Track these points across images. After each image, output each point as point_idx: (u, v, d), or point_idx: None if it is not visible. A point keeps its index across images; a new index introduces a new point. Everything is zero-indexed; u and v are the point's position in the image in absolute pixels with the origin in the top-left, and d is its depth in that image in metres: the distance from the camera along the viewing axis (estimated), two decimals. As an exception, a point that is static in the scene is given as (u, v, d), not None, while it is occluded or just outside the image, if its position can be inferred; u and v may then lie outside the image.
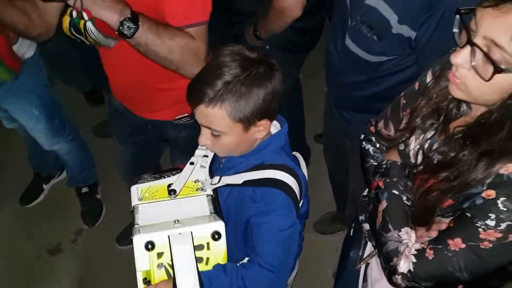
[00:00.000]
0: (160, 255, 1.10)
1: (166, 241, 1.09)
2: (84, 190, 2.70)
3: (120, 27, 1.28)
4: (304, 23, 1.98)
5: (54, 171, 2.84)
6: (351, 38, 1.56)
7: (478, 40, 0.86)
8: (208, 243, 1.13)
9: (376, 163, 1.26)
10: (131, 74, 1.63)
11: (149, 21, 1.34)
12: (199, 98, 1.14)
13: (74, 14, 1.29)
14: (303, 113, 2.69)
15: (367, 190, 1.34)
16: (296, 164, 1.33)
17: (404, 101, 1.23)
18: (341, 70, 1.67)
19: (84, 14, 1.28)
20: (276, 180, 1.23)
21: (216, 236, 1.13)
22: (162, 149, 2.23)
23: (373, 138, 1.32)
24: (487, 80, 0.86)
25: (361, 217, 1.37)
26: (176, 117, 1.75)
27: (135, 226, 1.15)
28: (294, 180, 1.25)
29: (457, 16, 0.94)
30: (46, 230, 2.65)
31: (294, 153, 1.39)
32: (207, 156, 1.35)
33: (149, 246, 1.09)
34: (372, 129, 1.32)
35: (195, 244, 1.11)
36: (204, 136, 1.22)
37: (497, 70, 0.84)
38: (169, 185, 1.26)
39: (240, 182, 1.25)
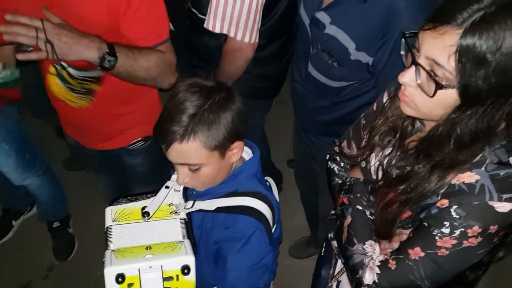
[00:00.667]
0: (130, 285, 1.11)
1: (137, 273, 1.10)
2: (56, 224, 2.66)
3: (101, 62, 1.35)
4: (267, 69, 1.99)
5: (24, 207, 2.79)
6: (313, 65, 1.64)
7: (421, 60, 0.94)
8: (177, 275, 1.14)
9: (341, 181, 1.32)
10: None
11: (124, 48, 1.40)
12: (170, 138, 1.14)
13: (58, 67, 1.35)
14: (267, 139, 2.73)
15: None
16: (268, 190, 1.36)
17: (364, 121, 1.30)
18: (306, 96, 1.75)
19: (63, 63, 1.35)
20: (248, 207, 1.25)
21: (185, 270, 1.14)
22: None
23: (338, 158, 1.38)
24: (431, 96, 0.93)
25: (330, 235, 1.42)
26: (131, 142, 1.78)
27: (108, 249, 1.16)
28: (267, 207, 1.28)
29: (403, 39, 1.02)
30: (16, 267, 2.59)
31: (266, 178, 1.43)
32: None
33: (119, 279, 1.10)
34: (336, 149, 1.38)
35: (164, 276, 1.12)
36: (182, 175, 1.22)
37: (439, 86, 0.91)
38: (143, 208, 1.28)
39: (212, 208, 1.27)
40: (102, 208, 1.32)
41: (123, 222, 1.24)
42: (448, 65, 0.89)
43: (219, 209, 1.26)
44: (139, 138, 1.78)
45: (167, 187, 1.33)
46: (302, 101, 1.81)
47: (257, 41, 1.80)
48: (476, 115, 0.93)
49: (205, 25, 1.76)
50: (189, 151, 1.15)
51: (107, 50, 1.35)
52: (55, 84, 1.42)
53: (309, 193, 2.23)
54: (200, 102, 1.15)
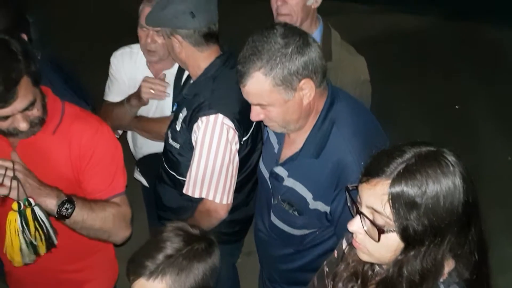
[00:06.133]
0: None
1: None
2: None
3: (59, 210, 1.41)
4: (236, 215, 2.01)
5: None
6: (275, 215, 1.72)
7: (363, 209, 1.05)
8: None
9: None
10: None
11: (82, 199, 1.48)
12: (140, 271, 1.17)
13: (22, 205, 1.38)
14: None
15: None
16: None
17: (327, 269, 1.35)
18: (270, 245, 1.80)
19: (31, 200, 1.39)
20: None
21: None
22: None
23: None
24: (377, 241, 1.02)
25: None
26: None
27: None
28: None
29: (346, 192, 1.13)
30: None
31: None
32: None
33: None
34: (303, 300, 1.39)
35: None
36: None
37: (381, 231, 1.01)
38: None
39: None
40: None
41: None
42: (385, 211, 1.01)
43: None
44: None
45: None
46: (266, 250, 1.85)
47: (231, 201, 1.87)
48: (419, 255, 1.01)
49: (184, 191, 1.84)
50: None
51: (65, 198, 1.42)
52: (12, 223, 1.41)
53: None
54: (179, 246, 1.18)
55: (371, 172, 1.03)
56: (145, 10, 2.00)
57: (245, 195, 2.05)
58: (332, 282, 1.27)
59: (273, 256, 1.80)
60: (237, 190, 1.94)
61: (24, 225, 1.40)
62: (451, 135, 3.98)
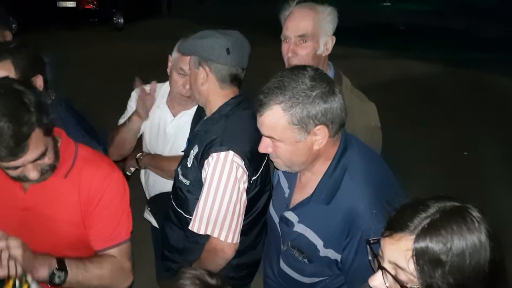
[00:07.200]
0: None
1: None
2: None
3: (51, 279, 1.39)
4: (244, 259, 1.99)
5: None
6: (284, 261, 1.69)
7: (386, 264, 1.02)
8: None
9: None
10: None
11: (74, 260, 1.46)
12: None
13: (17, 283, 1.34)
14: None
15: None
16: None
17: None
18: (279, 292, 1.76)
19: (28, 277, 1.35)
20: None
21: None
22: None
23: None
24: None
25: None
26: None
27: None
28: None
29: (368, 245, 1.11)
30: None
31: None
32: None
33: None
34: None
35: None
36: None
37: None
38: None
39: None
40: None
41: None
42: (408, 268, 0.97)
43: None
44: None
45: None
46: (276, 297, 1.80)
47: (238, 241, 1.84)
48: None
49: (190, 227, 1.82)
50: None
51: (56, 266, 1.40)
52: None
53: None
54: None
55: (395, 226, 1.01)
56: (177, 55, 2.13)
57: (253, 238, 2.02)
58: None
59: (282, 304, 1.75)
60: (245, 233, 1.91)
61: None
62: (458, 182, 3.95)
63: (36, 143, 1.37)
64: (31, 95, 1.37)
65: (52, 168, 1.49)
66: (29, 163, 1.39)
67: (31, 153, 1.37)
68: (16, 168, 1.39)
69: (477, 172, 4.24)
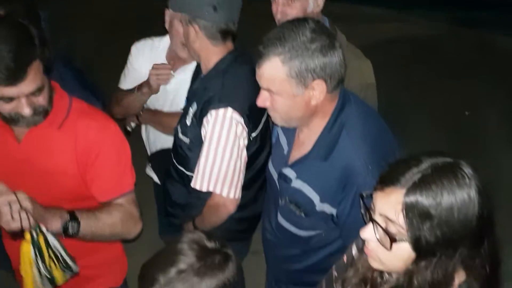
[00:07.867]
0: None
1: None
2: None
3: (65, 230, 1.41)
4: (245, 212, 2.02)
5: None
6: (282, 215, 1.73)
7: (377, 217, 1.05)
8: None
9: None
10: None
11: (86, 211, 1.48)
12: (150, 284, 1.15)
13: (34, 234, 1.37)
14: None
15: None
16: None
17: (336, 274, 1.35)
18: (277, 245, 1.81)
19: (42, 227, 1.38)
20: None
21: None
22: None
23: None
24: (389, 250, 1.02)
25: None
26: None
27: None
28: None
29: (361, 199, 1.14)
30: None
31: None
32: None
33: None
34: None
35: None
36: None
37: (393, 240, 1.01)
38: None
39: None
40: None
41: None
42: (398, 220, 1.01)
43: None
44: None
45: None
46: (273, 250, 1.86)
47: (240, 196, 1.88)
48: (430, 267, 1.01)
49: (192, 185, 1.85)
50: None
51: (69, 218, 1.43)
52: (26, 255, 1.40)
53: None
54: (192, 261, 1.16)
55: (386, 180, 1.03)
56: None
57: (254, 193, 2.06)
58: (340, 287, 1.27)
59: (279, 256, 1.82)
60: (246, 188, 1.95)
61: (38, 256, 1.39)
62: (459, 141, 3.97)
63: (35, 75, 1.37)
64: (36, 31, 1.40)
65: (45, 112, 1.48)
66: (24, 96, 1.38)
67: (28, 84, 1.37)
68: (10, 100, 1.38)
69: (479, 131, 4.24)
